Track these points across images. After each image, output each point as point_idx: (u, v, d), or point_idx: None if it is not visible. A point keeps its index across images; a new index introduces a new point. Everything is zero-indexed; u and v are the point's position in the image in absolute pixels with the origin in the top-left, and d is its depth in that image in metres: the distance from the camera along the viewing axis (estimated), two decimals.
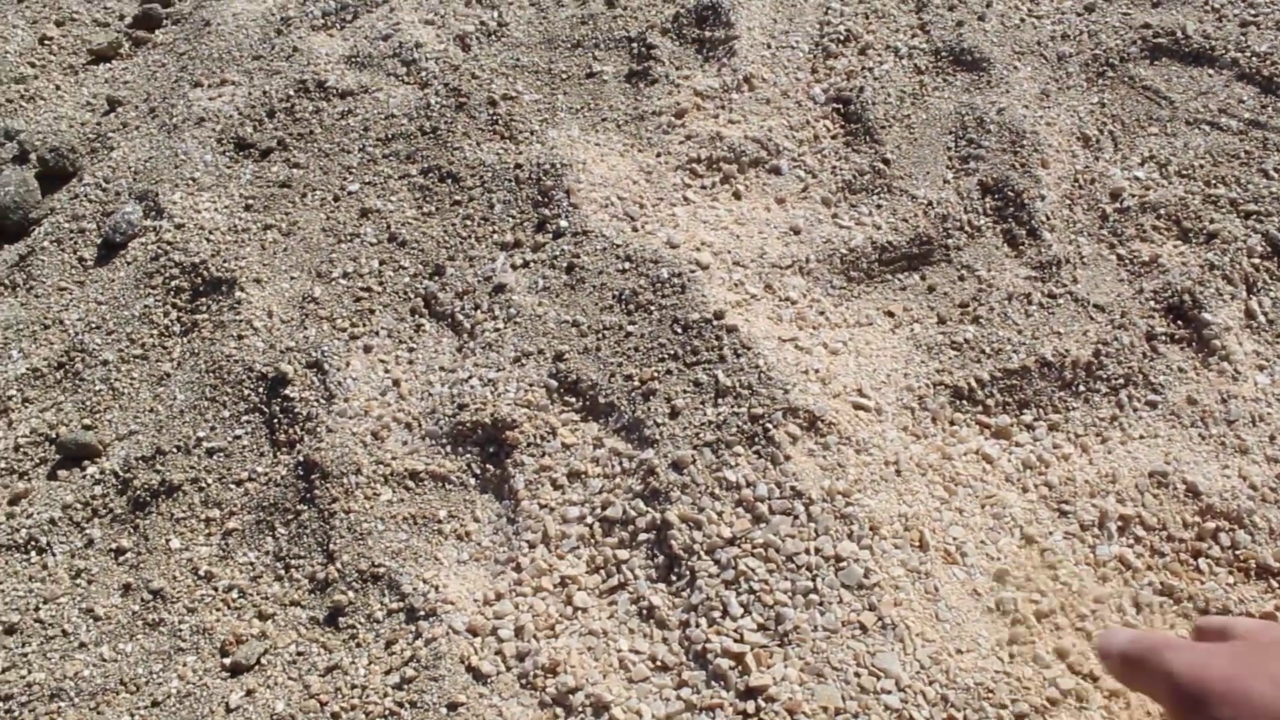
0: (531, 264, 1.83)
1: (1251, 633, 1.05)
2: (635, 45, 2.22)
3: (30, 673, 1.56)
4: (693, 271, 1.72)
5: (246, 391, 1.76)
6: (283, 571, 1.58)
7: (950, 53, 2.20)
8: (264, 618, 1.53)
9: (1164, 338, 1.68)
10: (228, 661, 1.49)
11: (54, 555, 1.69)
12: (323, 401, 1.69)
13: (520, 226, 1.89)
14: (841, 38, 2.25)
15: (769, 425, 1.53)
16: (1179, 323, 1.70)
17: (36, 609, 1.63)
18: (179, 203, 2.12)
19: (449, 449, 1.63)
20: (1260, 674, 0.92)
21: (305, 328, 1.80)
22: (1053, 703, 1.30)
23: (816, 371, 1.62)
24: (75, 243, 2.18)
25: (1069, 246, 1.83)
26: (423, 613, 1.46)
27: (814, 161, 2.01)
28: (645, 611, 1.43)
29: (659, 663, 1.38)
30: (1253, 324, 1.71)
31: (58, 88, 2.62)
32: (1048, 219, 1.87)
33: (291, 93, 2.31)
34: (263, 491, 1.65)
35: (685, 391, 1.60)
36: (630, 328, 1.69)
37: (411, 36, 2.36)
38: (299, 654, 1.48)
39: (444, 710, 1.35)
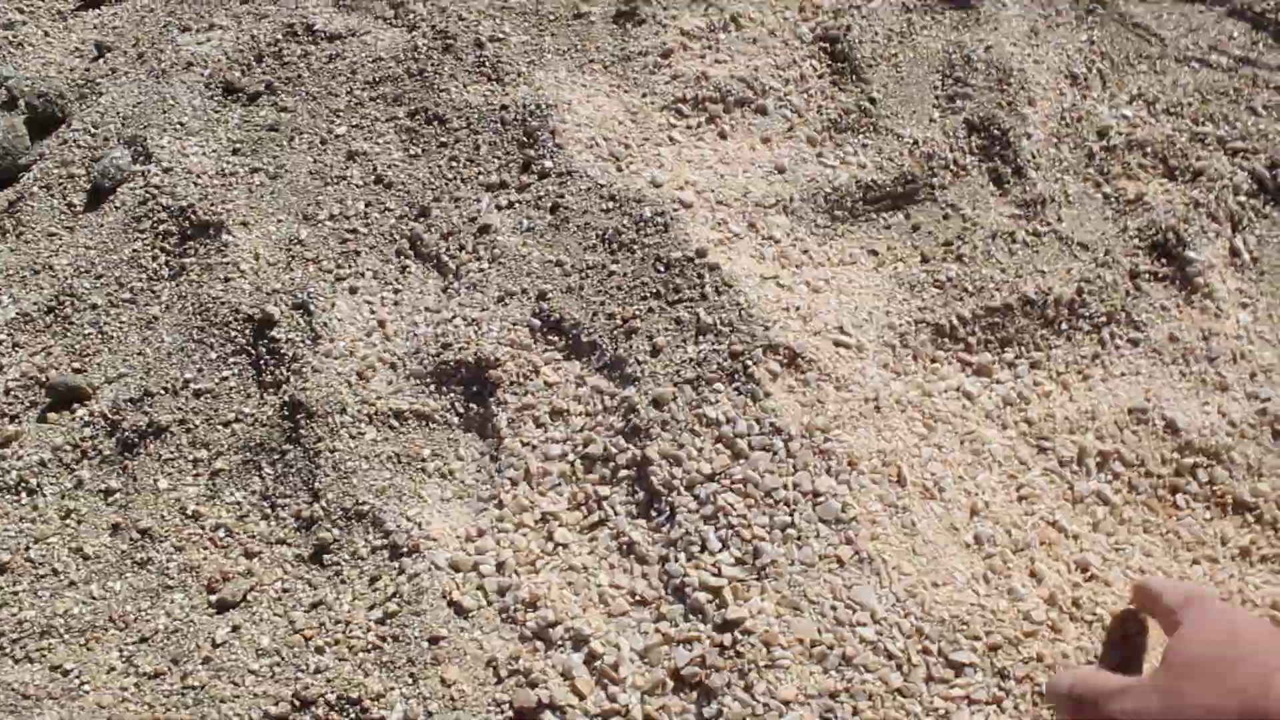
0: (516, 204, 1.83)
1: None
2: None
3: (21, 610, 1.58)
4: (675, 210, 1.72)
5: (233, 333, 1.77)
6: (269, 510, 1.60)
7: None
8: (250, 555, 1.56)
9: (1147, 275, 1.68)
10: (214, 598, 1.52)
11: (44, 496, 1.71)
12: (308, 343, 1.70)
13: (505, 168, 1.89)
14: None
15: (749, 362, 1.53)
16: (1163, 260, 1.70)
17: (27, 549, 1.65)
18: (167, 147, 2.12)
19: (433, 388, 1.65)
20: (1191, 706, 1.01)
21: (292, 270, 1.81)
22: (1027, 635, 1.31)
23: (797, 309, 1.62)
24: (64, 188, 2.18)
25: (1054, 185, 1.83)
26: (406, 549, 1.48)
27: (800, 101, 2.00)
28: (625, 547, 1.45)
29: (638, 597, 1.40)
30: (1236, 261, 1.70)
31: (46, 34, 2.61)
32: (1033, 157, 1.86)
33: (279, 36, 2.30)
34: (249, 432, 1.67)
35: (666, 329, 1.60)
36: (613, 267, 1.69)
37: None
38: (284, 591, 1.50)
39: (425, 644, 1.38)
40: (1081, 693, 1.13)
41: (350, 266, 1.82)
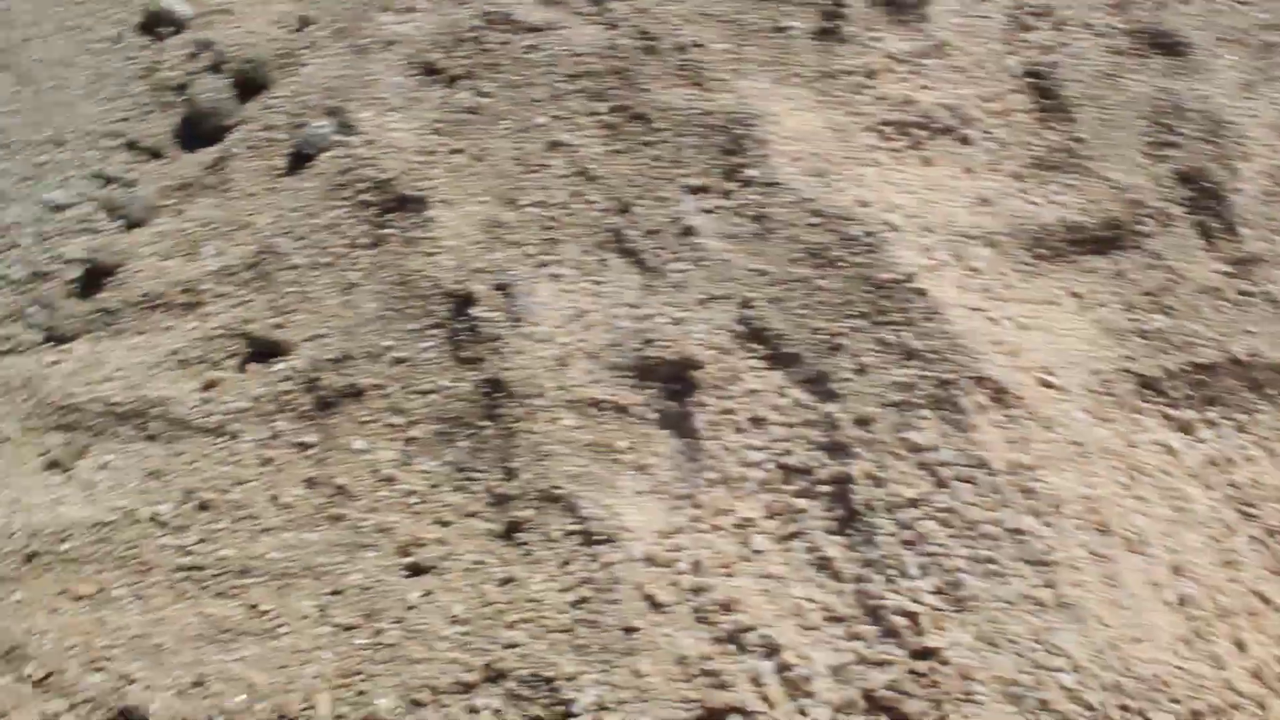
0: (720, 210, 1.84)
1: None
2: (825, 3, 2.20)
3: (221, 548, 1.63)
4: (885, 232, 1.72)
5: (433, 307, 1.80)
6: (462, 483, 1.63)
7: (1149, 34, 2.16)
8: (443, 525, 1.58)
9: None
10: (407, 562, 1.55)
11: (243, 442, 1.76)
12: (509, 324, 1.73)
13: (709, 172, 1.90)
14: (1037, 10, 2.21)
15: (957, 392, 1.53)
16: None
17: (227, 490, 1.70)
18: (369, 121, 2.16)
19: (633, 382, 1.66)
20: None
21: (494, 251, 1.84)
22: (1231, 706, 1.29)
23: (1006, 344, 1.61)
24: (267, 151, 2.24)
25: (1266, 244, 1.79)
26: (600, 537, 1.50)
27: (1005, 134, 1.99)
28: (821, 562, 1.45)
29: (832, 613, 1.40)
30: None
31: (249, 4, 2.68)
32: (1245, 214, 1.83)
33: (479, 23, 2.34)
34: (446, 404, 1.70)
35: (872, 350, 1.60)
36: (820, 281, 1.69)
37: None
38: (476, 563, 1.53)
39: (620, 632, 1.39)
40: None
41: (552, 254, 1.84)
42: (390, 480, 1.66)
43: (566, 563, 1.50)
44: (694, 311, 1.71)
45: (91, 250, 2.22)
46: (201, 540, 1.66)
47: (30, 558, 1.70)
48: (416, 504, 1.62)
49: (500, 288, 1.78)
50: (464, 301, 1.79)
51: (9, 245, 2.29)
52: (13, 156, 2.46)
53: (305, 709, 1.40)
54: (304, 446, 1.74)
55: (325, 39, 2.48)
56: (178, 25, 2.70)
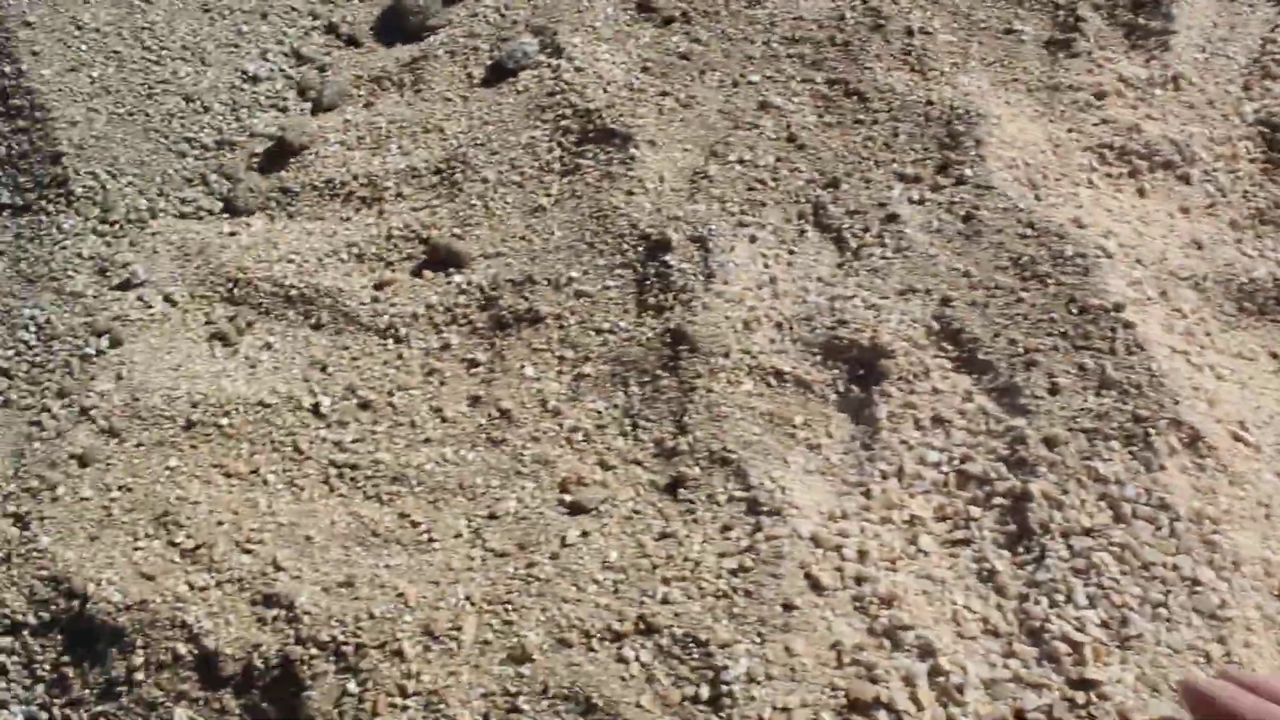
0: (928, 202, 1.81)
1: None
2: (1062, 13, 2.14)
3: (378, 451, 1.65)
4: (1098, 257, 1.68)
5: (625, 247, 1.79)
6: (629, 429, 1.62)
7: None
8: (606, 468, 1.58)
9: None
10: (567, 499, 1.55)
11: (410, 348, 1.77)
12: (701, 278, 1.71)
13: (921, 162, 1.87)
14: None
15: (1151, 430, 1.49)
16: None
17: (390, 394, 1.71)
18: (579, 47, 2.15)
19: (818, 359, 1.64)
20: None
21: (695, 201, 1.83)
22: None
23: (1205, 391, 1.57)
24: (467, 58, 2.24)
25: None
26: (766, 509, 1.48)
27: (1227, 180, 1.92)
28: (986, 573, 1.42)
29: (991, 626, 1.37)
30: None
31: None
32: None
33: None
34: (623, 347, 1.69)
35: (1069, 372, 1.56)
36: (1023, 294, 1.65)
37: None
38: (635, 512, 1.52)
39: (779, 608, 1.37)
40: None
41: (753, 215, 1.82)
42: (556, 413, 1.66)
43: (728, 528, 1.49)
44: (890, 300, 1.68)
45: (280, 127, 2.24)
46: (359, 440, 1.68)
47: (190, 426, 1.73)
48: (581, 442, 1.62)
49: (696, 240, 1.76)
50: (658, 247, 1.77)
51: (202, 109, 2.33)
52: (216, 21, 2.49)
53: (451, 629, 1.39)
54: (472, 364, 1.75)
55: None
56: None
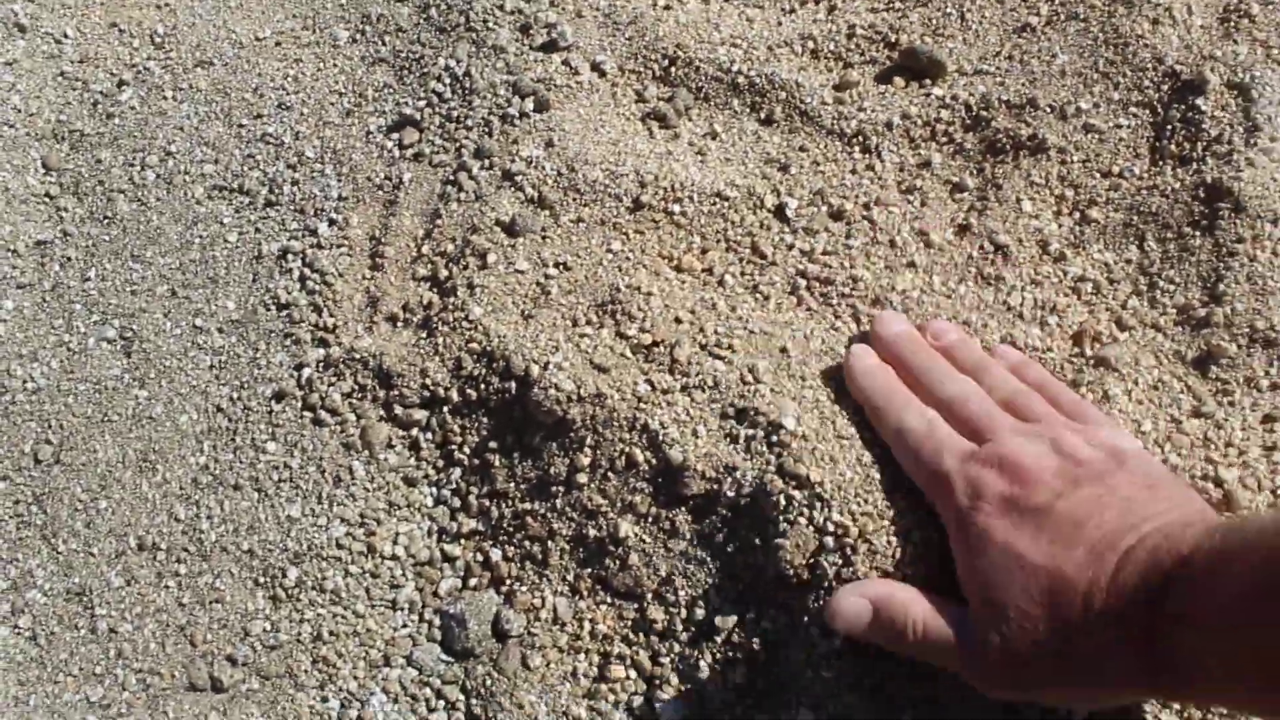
0: None
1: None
2: None
3: (855, 268, 1.50)
4: None
5: (1146, 84, 1.57)
6: (1144, 289, 1.44)
7: None
8: (1122, 327, 1.41)
9: None
10: (1090, 354, 1.39)
11: (884, 161, 1.61)
12: (1242, 130, 1.49)
13: None
14: None
15: None
16: None
17: (867, 206, 1.56)
18: None
19: None
20: None
21: (1233, 42, 1.59)
22: None
23: None
24: None
25: None
26: None
27: None
28: None
29: None
30: None
31: None
32: None
33: None
34: (1139, 196, 1.49)
35: None
36: None
37: None
38: (1160, 382, 1.36)
39: None
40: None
41: None
42: (1061, 259, 1.48)
43: (1271, 419, 1.31)
44: None
45: None
46: (830, 252, 1.53)
47: (636, 207, 1.59)
48: (1090, 295, 1.45)
49: (1235, 86, 1.53)
50: (1188, 88, 1.55)
51: None
52: None
53: None
54: (958, 188, 1.57)
55: None
56: None
